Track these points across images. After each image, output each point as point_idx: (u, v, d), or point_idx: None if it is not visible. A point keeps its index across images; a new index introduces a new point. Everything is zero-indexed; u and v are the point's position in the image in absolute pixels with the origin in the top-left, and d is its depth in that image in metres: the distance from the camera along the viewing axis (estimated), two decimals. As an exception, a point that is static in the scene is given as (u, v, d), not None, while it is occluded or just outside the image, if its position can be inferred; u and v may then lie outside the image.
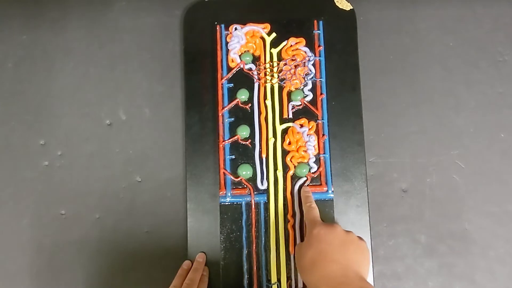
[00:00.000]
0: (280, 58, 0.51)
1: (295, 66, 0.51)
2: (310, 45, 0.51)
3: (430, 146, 0.51)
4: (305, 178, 0.49)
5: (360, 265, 0.39)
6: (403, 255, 0.49)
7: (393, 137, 0.51)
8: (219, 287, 0.47)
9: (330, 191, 0.48)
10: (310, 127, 0.50)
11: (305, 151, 0.49)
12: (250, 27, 0.52)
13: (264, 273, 0.47)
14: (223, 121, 0.50)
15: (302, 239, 0.47)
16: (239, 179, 0.49)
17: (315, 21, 0.52)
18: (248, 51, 0.51)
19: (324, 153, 0.49)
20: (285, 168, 0.49)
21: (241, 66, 0.51)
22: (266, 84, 0.51)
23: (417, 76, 0.52)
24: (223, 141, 0.49)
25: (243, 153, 0.49)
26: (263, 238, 0.48)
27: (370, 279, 0.46)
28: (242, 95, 0.50)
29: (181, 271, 0.45)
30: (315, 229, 0.41)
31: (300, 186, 0.48)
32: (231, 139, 0.49)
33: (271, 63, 0.51)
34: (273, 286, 0.47)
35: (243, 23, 0.52)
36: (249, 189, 0.48)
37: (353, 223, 0.47)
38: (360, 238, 0.42)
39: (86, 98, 0.52)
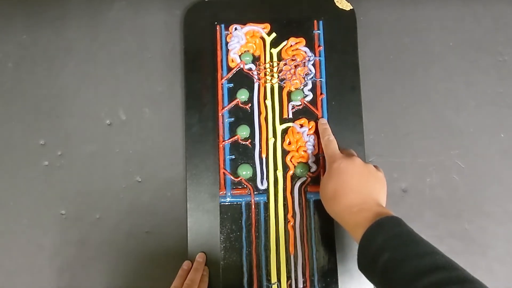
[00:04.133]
0: (280, 58, 0.51)
1: (295, 66, 0.51)
2: (310, 45, 0.51)
3: (430, 146, 0.51)
4: (305, 178, 0.49)
5: (378, 193, 0.42)
6: (403, 255, 0.49)
7: (393, 137, 0.51)
8: (219, 287, 0.47)
9: (330, 191, 0.48)
10: (310, 127, 0.50)
11: (305, 151, 0.49)
12: (250, 27, 0.52)
13: (264, 273, 0.47)
14: (223, 121, 0.50)
15: (302, 239, 0.47)
16: (239, 179, 0.49)
17: (315, 21, 0.52)
18: (248, 51, 0.51)
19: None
20: (285, 168, 0.49)
21: (241, 66, 0.51)
22: (266, 84, 0.51)
23: (417, 76, 0.52)
24: (223, 141, 0.49)
25: (243, 153, 0.49)
26: (263, 238, 0.48)
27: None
28: (242, 95, 0.50)
29: (181, 271, 0.45)
30: (335, 163, 0.43)
31: (300, 186, 0.48)
32: (231, 139, 0.49)
33: (271, 63, 0.51)
34: (273, 286, 0.47)
35: (243, 23, 0.52)
36: (249, 189, 0.48)
37: (353, 223, 0.47)
38: (377, 168, 0.44)
39: (86, 98, 0.52)
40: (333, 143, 0.46)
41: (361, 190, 0.41)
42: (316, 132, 0.49)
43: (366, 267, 0.38)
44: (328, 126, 0.48)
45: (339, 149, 0.46)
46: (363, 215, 0.39)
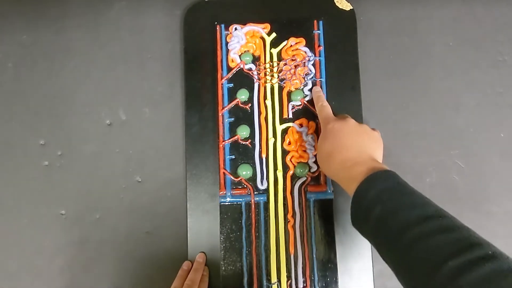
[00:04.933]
0: (280, 58, 0.51)
1: (295, 66, 0.51)
2: (310, 45, 0.51)
3: (430, 146, 0.51)
4: (305, 178, 0.49)
5: (373, 150, 0.42)
6: (403, 255, 0.49)
7: (393, 137, 0.51)
8: (219, 287, 0.47)
9: (330, 191, 0.48)
10: (310, 127, 0.50)
11: (305, 151, 0.49)
12: (250, 27, 0.52)
13: (264, 273, 0.47)
14: (223, 121, 0.50)
15: (302, 239, 0.47)
16: (239, 179, 0.49)
17: (315, 21, 0.52)
18: (248, 51, 0.51)
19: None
20: (285, 168, 0.49)
21: (241, 66, 0.51)
22: (266, 84, 0.51)
23: (417, 76, 0.52)
24: (223, 141, 0.49)
25: (243, 153, 0.49)
26: (263, 238, 0.48)
27: (370, 278, 0.46)
28: (242, 95, 0.50)
29: (181, 272, 0.45)
30: (329, 124, 0.44)
31: (300, 186, 0.48)
32: (231, 139, 0.49)
33: (271, 63, 0.51)
34: (273, 286, 0.47)
35: (243, 23, 0.52)
36: (249, 189, 0.48)
37: (353, 223, 0.47)
38: (373, 129, 0.44)
39: (86, 98, 0.52)
40: (327, 108, 0.47)
41: (355, 146, 0.42)
42: (316, 132, 0.49)
43: (359, 222, 0.38)
44: (322, 94, 0.49)
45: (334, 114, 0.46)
46: (357, 169, 0.39)
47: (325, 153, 0.43)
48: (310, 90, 0.50)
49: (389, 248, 0.35)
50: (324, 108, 0.47)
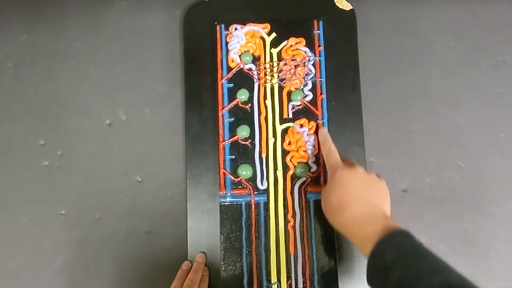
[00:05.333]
0: (280, 58, 0.51)
1: (295, 66, 0.51)
2: (310, 45, 0.51)
3: (430, 146, 0.51)
4: (305, 178, 0.48)
5: (382, 203, 0.42)
6: (403, 255, 0.49)
7: (393, 137, 0.51)
8: (219, 287, 0.47)
9: (330, 191, 0.48)
10: (310, 127, 0.50)
11: (305, 151, 0.49)
12: (250, 27, 0.52)
13: (264, 273, 0.47)
14: (223, 121, 0.50)
15: (302, 239, 0.47)
16: (239, 179, 0.49)
17: (315, 21, 0.52)
18: (248, 51, 0.51)
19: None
20: (285, 168, 0.49)
21: (241, 66, 0.51)
22: (266, 84, 0.51)
23: (417, 76, 0.52)
24: (223, 141, 0.49)
25: (243, 153, 0.49)
26: (263, 238, 0.48)
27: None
28: (242, 95, 0.50)
29: (181, 272, 0.45)
30: (337, 173, 0.42)
31: (300, 186, 0.48)
32: (231, 139, 0.49)
33: (271, 63, 0.51)
34: (273, 286, 0.47)
35: (243, 23, 0.52)
36: (249, 189, 0.48)
37: (353, 223, 0.47)
38: (379, 177, 0.43)
39: (86, 98, 0.52)
40: (334, 153, 0.45)
41: (366, 200, 0.41)
42: (316, 132, 0.49)
43: (376, 283, 0.37)
44: (328, 136, 0.47)
45: (341, 158, 0.45)
46: (370, 228, 0.38)
47: (333, 204, 0.42)
48: (310, 90, 0.50)
49: None
50: (331, 153, 0.45)
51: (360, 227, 0.39)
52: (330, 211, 0.42)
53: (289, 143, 0.49)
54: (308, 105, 0.50)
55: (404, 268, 0.35)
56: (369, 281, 0.38)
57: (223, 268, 0.47)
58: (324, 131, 0.48)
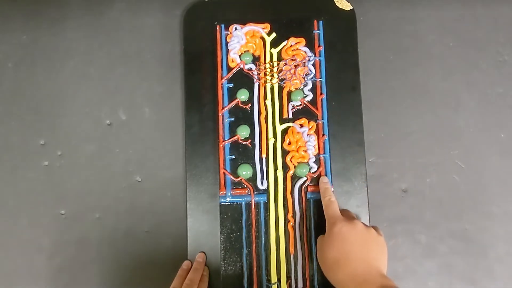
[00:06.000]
0: (280, 58, 0.51)
1: (295, 66, 0.51)
2: (310, 45, 0.51)
3: (430, 146, 0.51)
4: (305, 178, 0.48)
5: (380, 262, 0.41)
6: (403, 255, 0.49)
7: (393, 137, 0.51)
8: (219, 287, 0.47)
9: (330, 191, 0.48)
10: (310, 127, 0.50)
11: (305, 151, 0.49)
12: (250, 27, 0.52)
13: (264, 273, 0.47)
14: (223, 121, 0.50)
15: (302, 239, 0.47)
16: (239, 179, 0.49)
17: (315, 21, 0.52)
18: (248, 51, 0.51)
19: (324, 153, 0.49)
20: (285, 168, 0.49)
21: (241, 66, 0.51)
22: (266, 84, 0.51)
23: (417, 76, 0.52)
24: (223, 141, 0.49)
25: (243, 153, 0.49)
26: (263, 238, 0.48)
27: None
28: (242, 95, 0.50)
29: (181, 271, 0.45)
30: (336, 226, 0.42)
31: (300, 186, 0.48)
32: (231, 139, 0.49)
33: (271, 63, 0.51)
34: (273, 286, 0.47)
35: (243, 23, 0.52)
36: (249, 189, 0.48)
37: (353, 223, 0.47)
38: (378, 231, 0.43)
39: (86, 98, 0.52)
40: (334, 204, 0.45)
41: (364, 258, 0.40)
42: (316, 132, 0.49)
43: None
44: (329, 186, 0.47)
45: (340, 210, 0.45)
46: (368, 287, 0.38)
47: (330, 260, 0.41)
48: (310, 90, 0.50)
49: None
50: (331, 204, 0.45)
51: (358, 285, 0.39)
52: (327, 266, 0.42)
53: (289, 143, 0.49)
54: (308, 105, 0.50)
55: None
56: None
57: (223, 268, 0.47)
58: (325, 181, 0.48)
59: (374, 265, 0.40)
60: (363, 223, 0.43)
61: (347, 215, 0.44)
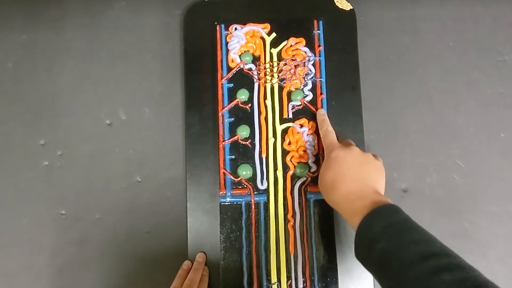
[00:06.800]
0: (280, 58, 0.51)
1: (295, 66, 0.51)
2: (310, 45, 0.51)
3: (430, 146, 0.51)
4: (305, 178, 0.49)
5: (376, 182, 0.42)
6: (403, 255, 0.49)
7: (393, 137, 0.51)
8: (219, 287, 0.47)
9: (330, 191, 0.48)
10: (310, 127, 0.50)
11: (305, 151, 0.49)
12: (250, 27, 0.52)
13: (264, 273, 0.47)
14: (223, 121, 0.50)
15: (302, 239, 0.47)
16: (239, 179, 0.49)
17: (315, 21, 0.52)
18: (248, 51, 0.51)
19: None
20: (285, 168, 0.49)
21: (241, 66, 0.51)
22: (266, 84, 0.51)
23: (417, 76, 0.52)
24: (223, 141, 0.49)
25: (243, 153, 0.49)
26: (263, 238, 0.48)
27: (370, 279, 0.46)
28: (242, 95, 0.50)
29: (181, 271, 0.45)
30: (333, 152, 0.43)
31: (300, 186, 0.48)
32: (231, 139, 0.49)
33: (271, 63, 0.51)
34: (273, 286, 0.47)
35: (243, 23, 0.52)
36: (249, 189, 0.48)
37: (353, 223, 0.47)
38: (376, 157, 0.44)
39: (86, 98, 0.52)
40: (331, 134, 0.46)
41: (359, 178, 0.41)
42: (316, 132, 0.49)
43: (363, 256, 0.38)
44: (326, 117, 0.48)
45: (337, 139, 0.46)
46: (360, 202, 0.39)
47: (328, 182, 0.43)
48: (310, 90, 0.50)
49: (391, 284, 0.34)
50: (328, 133, 0.46)
51: (351, 202, 0.40)
52: (325, 189, 0.43)
53: (289, 143, 0.49)
54: (308, 105, 0.50)
55: (388, 240, 0.35)
56: (357, 254, 0.39)
57: (223, 268, 0.47)
58: (322, 112, 0.49)
59: (368, 184, 0.41)
60: (361, 149, 0.44)
61: (345, 143, 0.45)
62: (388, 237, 0.36)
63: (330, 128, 0.47)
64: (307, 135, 0.49)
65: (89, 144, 0.51)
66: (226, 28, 0.52)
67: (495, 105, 0.51)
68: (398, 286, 0.34)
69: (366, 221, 0.37)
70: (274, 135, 0.50)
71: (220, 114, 0.50)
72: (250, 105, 0.50)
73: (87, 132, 0.51)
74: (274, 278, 0.47)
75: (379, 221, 0.37)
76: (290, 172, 0.49)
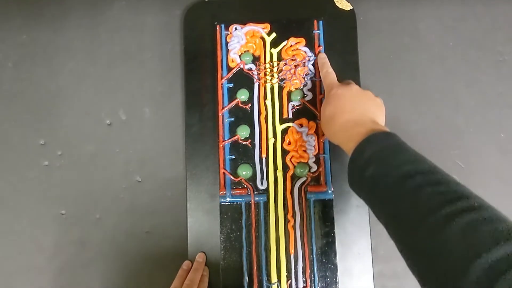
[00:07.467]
0: (280, 58, 0.51)
1: (295, 66, 0.51)
2: (310, 45, 0.51)
3: (430, 146, 0.51)
4: (305, 178, 0.49)
5: (374, 114, 0.42)
6: (403, 255, 0.49)
7: (393, 137, 0.51)
8: (219, 287, 0.47)
9: (330, 191, 0.48)
10: (310, 127, 0.50)
11: (305, 151, 0.49)
12: (250, 27, 0.52)
13: (264, 273, 0.47)
14: (223, 121, 0.50)
15: (302, 239, 0.47)
16: (239, 179, 0.49)
17: (315, 21, 0.52)
18: (248, 51, 0.51)
19: (324, 153, 0.49)
20: (285, 168, 0.49)
21: (241, 66, 0.51)
22: (266, 84, 0.51)
23: (417, 76, 0.52)
24: (223, 141, 0.49)
25: (243, 153, 0.49)
26: (263, 238, 0.48)
27: (370, 279, 0.46)
28: (242, 95, 0.50)
29: (181, 271, 0.45)
30: (332, 90, 0.44)
31: (300, 186, 0.48)
32: (231, 139, 0.49)
33: (271, 63, 0.51)
34: (273, 286, 0.47)
35: (243, 23, 0.52)
36: (249, 189, 0.48)
37: (353, 223, 0.47)
38: (376, 96, 0.44)
39: (86, 98, 0.52)
40: (331, 74, 0.47)
41: (357, 109, 0.42)
42: (316, 132, 0.49)
43: (355, 183, 0.38)
44: (327, 60, 0.49)
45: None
46: (356, 130, 0.39)
47: (327, 116, 0.43)
48: (310, 90, 0.50)
49: (381, 205, 0.35)
50: (329, 74, 0.47)
51: (348, 130, 0.40)
52: (324, 123, 0.44)
53: (289, 143, 0.49)
54: (308, 105, 0.50)
55: (378, 164, 0.36)
56: (350, 182, 0.39)
57: (223, 268, 0.47)
58: (322, 56, 0.50)
59: (367, 115, 0.41)
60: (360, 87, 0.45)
61: (345, 82, 0.46)
62: (378, 161, 0.36)
63: (331, 70, 0.48)
64: (307, 135, 0.49)
65: (89, 144, 0.51)
66: (226, 28, 0.52)
67: (495, 105, 0.51)
68: (385, 205, 0.34)
69: (360, 147, 0.37)
70: (274, 135, 0.50)
71: (220, 114, 0.50)
72: (250, 105, 0.50)
73: (87, 132, 0.51)
74: (274, 278, 0.47)
75: (372, 146, 0.37)
76: (290, 172, 0.49)
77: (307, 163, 0.49)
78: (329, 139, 0.44)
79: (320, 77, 0.50)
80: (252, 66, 0.51)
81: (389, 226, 0.34)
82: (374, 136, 0.38)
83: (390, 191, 0.34)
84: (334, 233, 0.47)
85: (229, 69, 0.51)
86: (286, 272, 0.47)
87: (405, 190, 0.33)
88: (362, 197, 0.39)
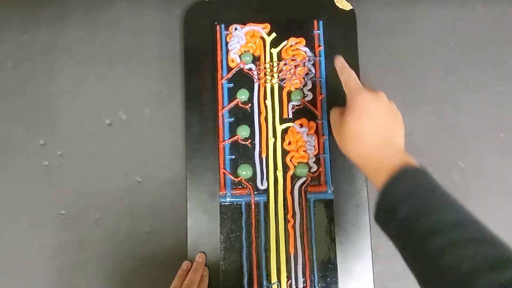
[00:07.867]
0: (280, 58, 0.51)
1: (295, 66, 0.51)
2: (310, 45, 0.51)
3: (430, 146, 0.51)
4: (305, 178, 0.48)
5: (400, 138, 0.40)
6: (403, 255, 0.49)
7: (393, 137, 0.51)
8: (219, 287, 0.47)
9: (330, 191, 0.48)
10: (310, 127, 0.50)
11: (305, 151, 0.49)
12: (250, 27, 0.52)
13: (264, 273, 0.47)
14: (223, 121, 0.50)
15: (302, 239, 0.47)
16: (239, 179, 0.49)
17: (315, 21, 0.52)
18: (248, 51, 0.51)
19: (324, 153, 0.49)
20: (285, 168, 0.49)
21: (241, 66, 0.51)
22: (266, 84, 0.51)
23: (417, 76, 0.52)
24: (223, 141, 0.49)
25: (243, 153, 0.49)
26: (263, 238, 0.48)
27: (370, 279, 0.46)
28: (242, 95, 0.50)
29: (181, 271, 0.45)
30: (359, 96, 0.39)
31: (300, 186, 0.48)
32: (231, 139, 0.49)
33: (271, 63, 0.51)
34: (273, 286, 0.47)
35: (243, 23, 0.52)
36: (249, 189, 0.48)
37: (353, 223, 0.47)
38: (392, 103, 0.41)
39: (86, 98, 0.52)
40: (355, 78, 0.42)
41: (387, 131, 0.39)
42: (316, 132, 0.49)
43: (384, 219, 0.36)
44: (346, 64, 0.44)
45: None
46: (388, 161, 0.36)
47: (352, 131, 0.39)
48: (310, 90, 0.50)
49: (414, 250, 0.33)
50: (351, 77, 0.42)
51: (378, 158, 0.37)
52: (347, 138, 0.40)
53: (289, 143, 0.49)
54: (308, 105, 0.50)
55: (414, 203, 0.33)
56: (377, 216, 0.37)
57: (223, 268, 0.47)
58: (341, 59, 0.44)
59: (396, 140, 0.39)
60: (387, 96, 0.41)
61: (369, 87, 0.41)
62: (415, 200, 0.33)
63: (353, 73, 0.42)
64: (307, 135, 0.49)
65: (89, 144, 0.51)
66: (226, 28, 0.52)
67: (495, 105, 0.51)
68: (421, 252, 0.32)
69: (392, 182, 0.35)
70: (274, 135, 0.50)
71: (220, 114, 0.50)
72: (250, 105, 0.50)
73: (87, 132, 0.51)
74: (274, 278, 0.47)
75: (405, 183, 0.35)
76: (290, 172, 0.49)
77: (307, 163, 0.49)
78: (350, 158, 0.40)
79: (320, 77, 0.50)
80: (252, 66, 0.51)
81: (422, 277, 0.32)
82: (408, 171, 0.35)
83: (429, 238, 0.31)
84: (334, 233, 0.47)
85: (229, 69, 0.51)
86: (286, 272, 0.47)
87: (447, 241, 0.31)
88: (388, 235, 0.36)
